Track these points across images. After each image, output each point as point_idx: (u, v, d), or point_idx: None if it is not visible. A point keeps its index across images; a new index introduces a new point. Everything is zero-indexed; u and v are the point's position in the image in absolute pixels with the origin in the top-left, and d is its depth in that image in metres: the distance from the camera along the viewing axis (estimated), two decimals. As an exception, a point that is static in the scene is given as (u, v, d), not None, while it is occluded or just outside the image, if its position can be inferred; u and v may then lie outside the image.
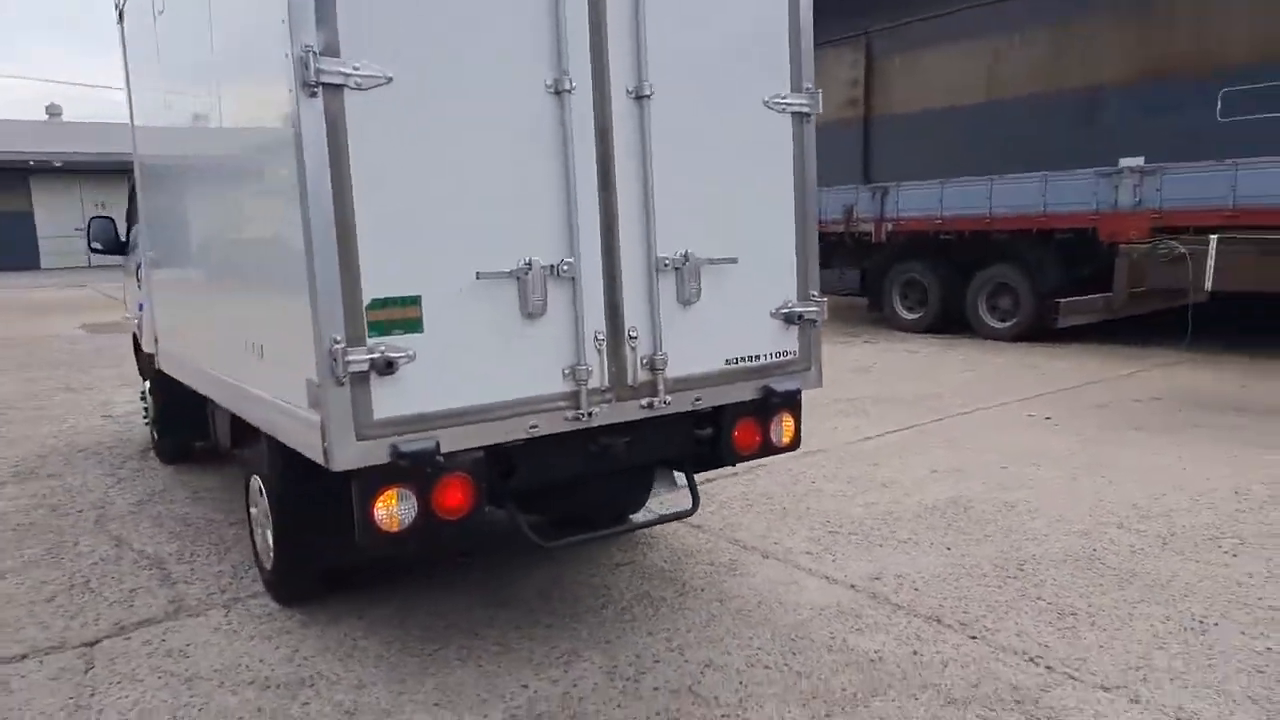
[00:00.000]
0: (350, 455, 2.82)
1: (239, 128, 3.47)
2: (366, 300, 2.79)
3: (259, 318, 3.47)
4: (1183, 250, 8.08)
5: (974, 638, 3.43)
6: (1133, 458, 5.74)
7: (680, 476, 3.94)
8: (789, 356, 3.77)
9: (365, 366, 2.79)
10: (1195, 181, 9.21)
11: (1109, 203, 9.58)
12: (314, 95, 2.64)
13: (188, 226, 4.63)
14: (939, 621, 3.57)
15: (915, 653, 3.32)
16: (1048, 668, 3.19)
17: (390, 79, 2.75)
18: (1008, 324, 10.95)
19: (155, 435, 6.65)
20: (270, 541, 3.96)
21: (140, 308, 6.26)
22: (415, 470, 2.92)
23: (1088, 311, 9.47)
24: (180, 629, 3.79)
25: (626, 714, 2.98)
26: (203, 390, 4.65)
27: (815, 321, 3.81)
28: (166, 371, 5.64)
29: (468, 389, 2.99)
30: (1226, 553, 4.16)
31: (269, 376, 3.38)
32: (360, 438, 2.82)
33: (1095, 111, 10.07)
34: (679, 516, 3.84)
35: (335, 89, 2.67)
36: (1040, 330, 10.46)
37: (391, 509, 2.94)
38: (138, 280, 6.32)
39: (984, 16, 10.97)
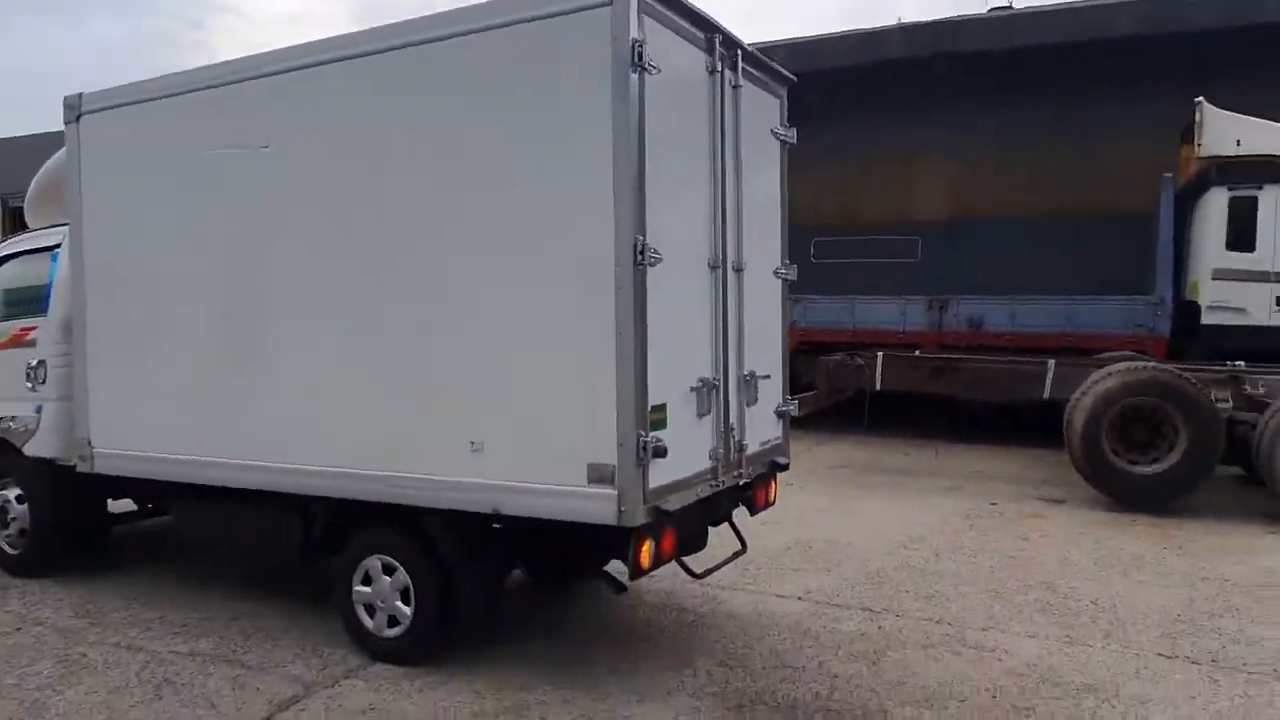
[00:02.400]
0: (638, 516, 4.02)
1: (523, 277, 4.23)
2: (651, 404, 4.06)
3: (490, 421, 4.33)
4: (861, 362, 11.36)
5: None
6: (866, 504, 8.40)
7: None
8: (779, 440, 5.56)
9: (652, 453, 4.04)
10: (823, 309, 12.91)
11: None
12: (639, 266, 3.93)
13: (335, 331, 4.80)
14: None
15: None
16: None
17: (662, 259, 4.11)
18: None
19: (19, 547, 6.20)
20: (409, 608, 4.65)
21: (38, 410, 5.99)
22: (658, 524, 4.18)
23: (807, 405, 12.48)
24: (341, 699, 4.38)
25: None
26: (287, 488, 4.94)
27: (791, 414, 5.66)
28: (115, 472, 5.64)
29: (678, 467, 4.32)
30: (927, 550, 6.82)
31: (492, 465, 4.29)
32: (644, 503, 4.04)
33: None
34: (737, 556, 5.34)
35: (642, 264, 3.98)
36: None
37: (648, 552, 4.17)
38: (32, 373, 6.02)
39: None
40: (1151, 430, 8.35)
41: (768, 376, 5.27)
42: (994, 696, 4.41)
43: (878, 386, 11.12)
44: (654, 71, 3.99)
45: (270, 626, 5.28)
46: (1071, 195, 13.70)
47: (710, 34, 4.59)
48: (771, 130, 5.34)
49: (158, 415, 5.48)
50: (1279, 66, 12.10)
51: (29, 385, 6.06)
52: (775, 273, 5.44)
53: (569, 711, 4.23)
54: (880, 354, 11.17)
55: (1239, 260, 10.66)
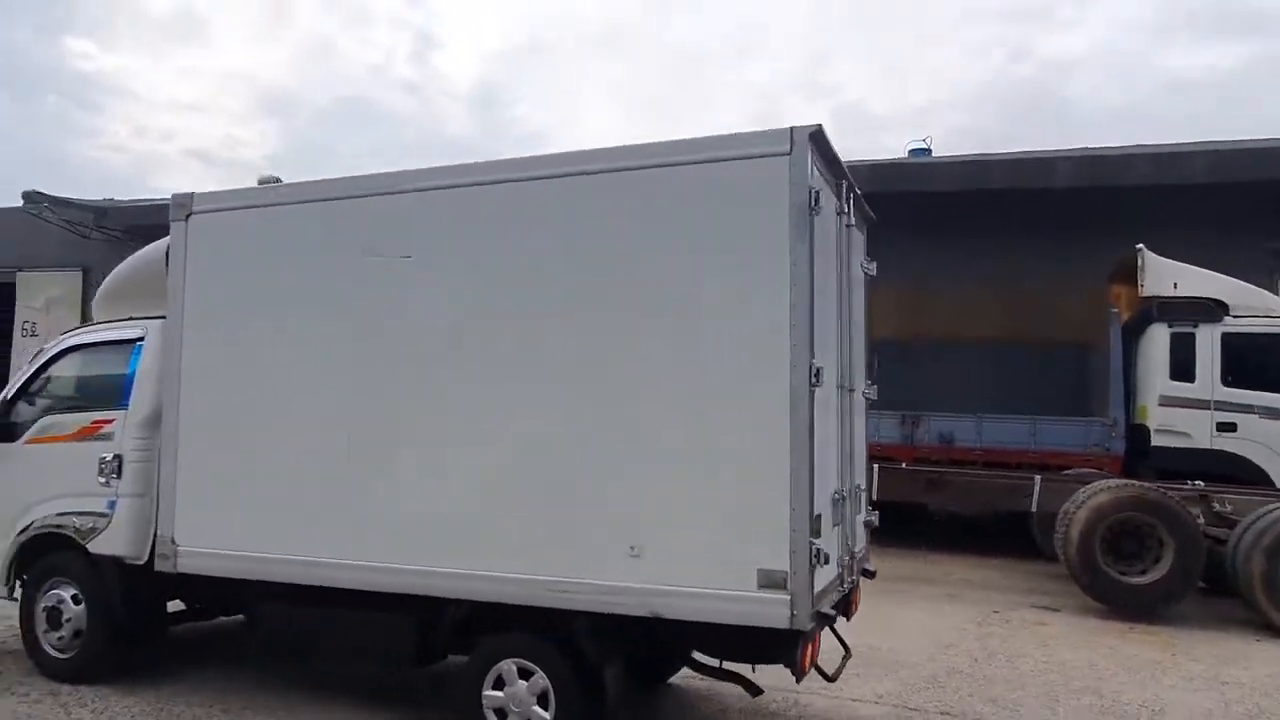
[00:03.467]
0: (807, 620, 4.26)
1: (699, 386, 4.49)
2: (815, 514, 4.35)
3: (651, 527, 4.51)
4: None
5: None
6: (880, 610, 8.74)
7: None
8: (866, 548, 5.89)
9: (820, 559, 4.31)
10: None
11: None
12: (813, 387, 4.29)
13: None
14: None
15: None
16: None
17: (822, 379, 4.47)
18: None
19: (72, 650, 5.90)
20: (547, 712, 4.69)
21: (111, 506, 5.82)
22: (818, 626, 4.43)
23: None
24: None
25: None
26: (420, 590, 4.94)
27: (874, 525, 6.01)
28: (202, 572, 5.51)
29: (824, 573, 4.60)
30: (964, 656, 7.21)
31: (651, 570, 4.46)
32: (811, 607, 4.29)
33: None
34: (847, 659, 5.53)
35: (815, 385, 4.34)
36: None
37: (810, 653, 4.39)
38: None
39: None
40: (1138, 543, 9.05)
41: (864, 490, 5.65)
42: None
43: (874, 496, 11.58)
44: (818, 213, 4.45)
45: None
46: (1019, 325, 14.85)
47: (840, 179, 5.12)
48: (860, 264, 5.87)
49: (263, 516, 5.42)
50: (1208, 222, 13.67)
51: (101, 480, 5.88)
52: (862, 393, 5.88)
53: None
54: (876, 466, 11.70)
55: (1181, 389, 11.74)
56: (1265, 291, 12.07)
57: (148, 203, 18.80)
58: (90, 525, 5.86)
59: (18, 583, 6.24)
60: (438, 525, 4.96)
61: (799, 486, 4.27)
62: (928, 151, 18.20)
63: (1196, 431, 11.66)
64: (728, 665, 5.08)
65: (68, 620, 5.91)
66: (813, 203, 4.34)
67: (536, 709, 4.74)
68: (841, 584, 4.96)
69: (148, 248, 6.41)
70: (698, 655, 5.21)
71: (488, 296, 4.97)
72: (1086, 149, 15.34)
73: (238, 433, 5.55)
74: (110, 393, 6.13)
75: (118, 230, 19.19)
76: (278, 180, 5.32)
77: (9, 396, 6.42)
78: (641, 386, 4.60)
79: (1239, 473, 11.06)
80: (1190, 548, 8.79)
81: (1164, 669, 7.17)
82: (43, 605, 6.01)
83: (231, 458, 5.55)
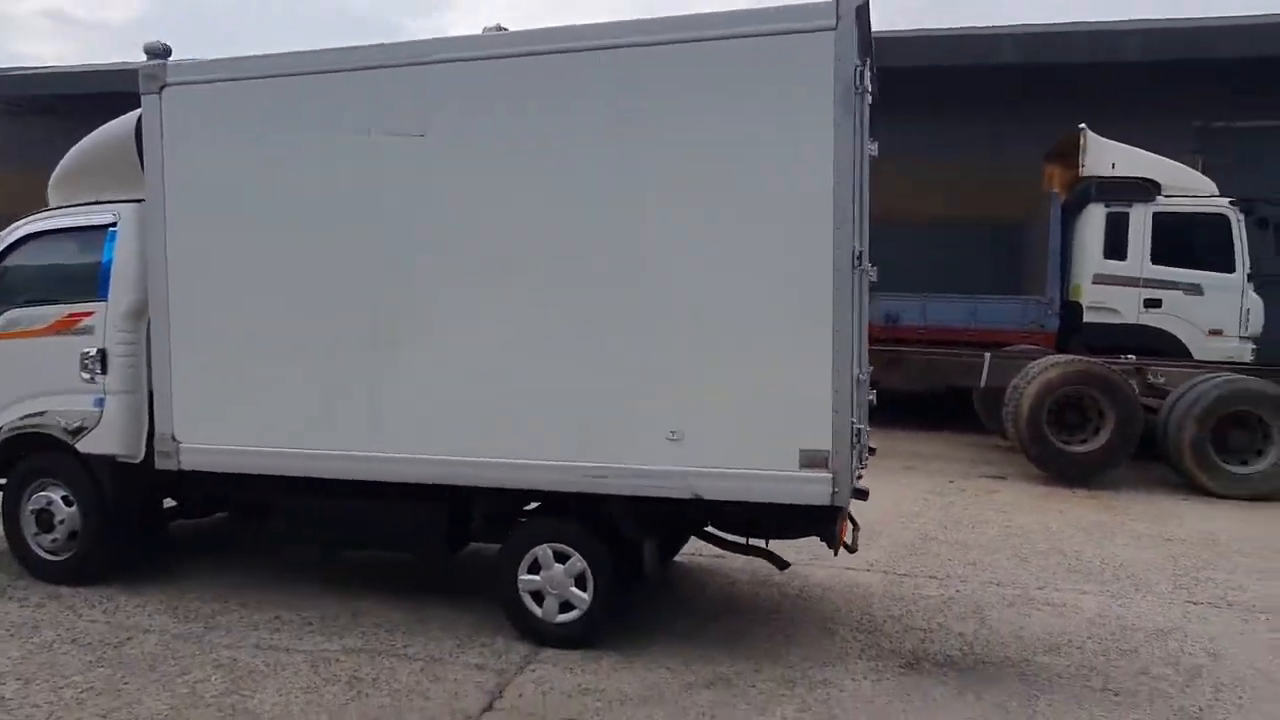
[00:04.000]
0: (846, 496, 4.43)
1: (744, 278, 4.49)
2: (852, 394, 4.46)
3: (692, 411, 4.54)
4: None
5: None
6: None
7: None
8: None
9: (858, 437, 4.45)
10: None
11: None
12: (855, 269, 4.34)
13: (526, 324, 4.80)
14: (948, 575, 6.28)
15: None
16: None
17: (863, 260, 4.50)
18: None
19: (66, 552, 5.71)
20: (585, 592, 4.81)
21: (98, 403, 5.53)
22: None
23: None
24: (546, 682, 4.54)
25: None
26: (453, 480, 4.93)
27: (872, 405, 6.21)
28: (209, 468, 5.36)
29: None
30: (932, 523, 7.69)
31: (692, 453, 4.53)
32: (851, 483, 4.45)
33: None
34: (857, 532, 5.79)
35: (859, 267, 4.39)
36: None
37: (847, 528, 4.59)
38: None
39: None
40: (1080, 415, 9.64)
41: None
42: (1099, 642, 5.16)
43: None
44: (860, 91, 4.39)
45: (403, 620, 5.23)
46: (959, 205, 15.17)
47: (867, 55, 5.03)
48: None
49: (273, 409, 5.25)
50: (1138, 101, 14.02)
51: (85, 377, 5.56)
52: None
53: (767, 678, 4.57)
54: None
55: (1114, 267, 12.31)
56: (1195, 172, 12.60)
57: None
58: (78, 424, 5.57)
59: (-9, 486, 5.94)
60: (467, 413, 4.90)
61: (840, 367, 4.37)
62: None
63: (1125, 308, 12.31)
64: (752, 541, 5.25)
65: (60, 522, 5.68)
66: (858, 80, 4.28)
67: (575, 590, 4.85)
68: (861, 463, 5.15)
69: (109, 125, 5.90)
70: (717, 532, 5.36)
71: (513, 176, 4.77)
72: (1028, 25, 15.43)
73: (239, 324, 5.29)
74: (84, 283, 5.73)
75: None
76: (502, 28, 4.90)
77: (-36, 289, 5.95)
78: (681, 267, 4.56)
79: (1162, 347, 11.81)
80: (1129, 418, 9.41)
81: (1112, 529, 7.77)
82: (30, 508, 5.75)
83: (232, 350, 5.31)
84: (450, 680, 4.48)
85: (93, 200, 5.78)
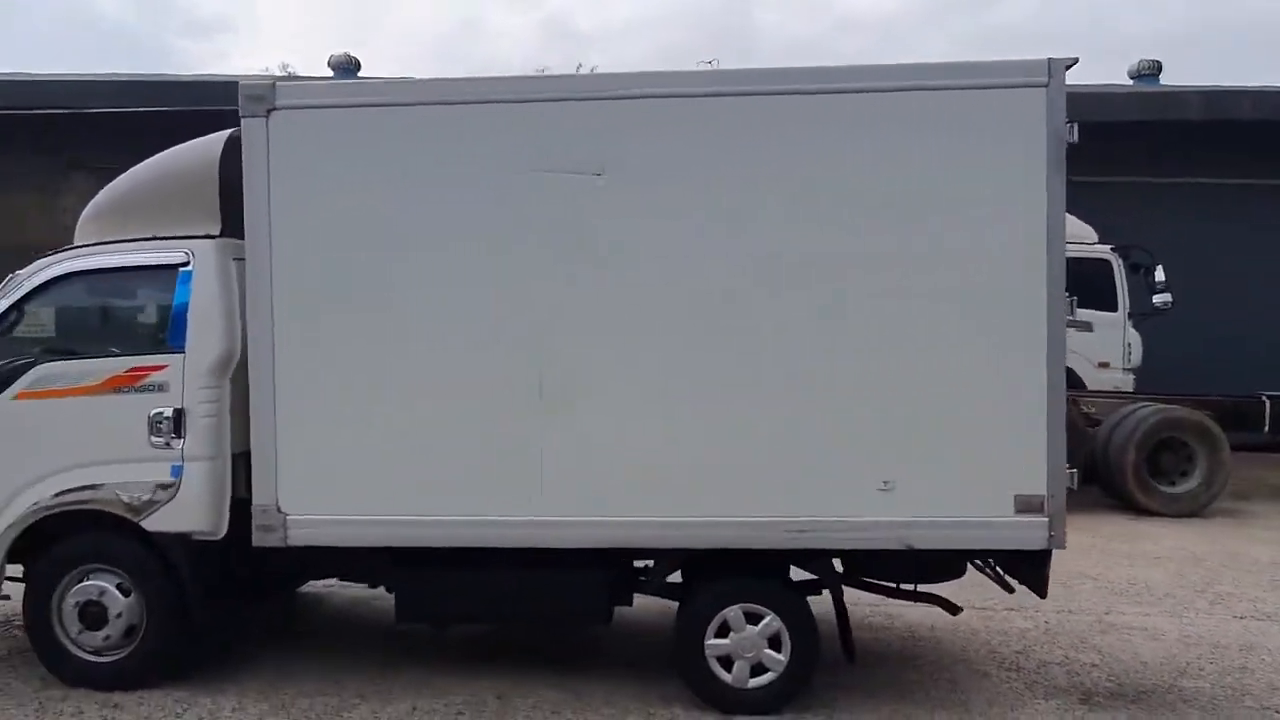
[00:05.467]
0: (1062, 539, 4.48)
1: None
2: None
3: (904, 461, 4.46)
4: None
5: (1050, 608, 6.48)
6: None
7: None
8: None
9: (1072, 481, 4.55)
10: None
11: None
12: (1068, 314, 4.45)
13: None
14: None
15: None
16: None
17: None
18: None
19: (118, 651, 4.79)
20: (781, 654, 4.59)
21: (178, 471, 4.70)
22: None
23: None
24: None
25: (1078, 674, 5.20)
26: (627, 542, 4.65)
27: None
28: (326, 542, 4.70)
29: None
30: None
31: (903, 503, 4.45)
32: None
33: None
34: None
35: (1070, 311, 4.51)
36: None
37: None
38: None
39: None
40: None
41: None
42: (1211, 663, 5.52)
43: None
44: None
45: (558, 698, 4.77)
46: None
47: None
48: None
49: (408, 474, 4.66)
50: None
51: (157, 441, 4.71)
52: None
53: None
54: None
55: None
56: (1079, 221, 13.98)
57: None
58: (146, 497, 4.69)
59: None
60: (651, 473, 4.56)
61: (1055, 414, 4.46)
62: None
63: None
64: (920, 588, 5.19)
65: (117, 616, 4.74)
66: (1068, 134, 4.43)
67: (769, 652, 4.62)
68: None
69: (173, 154, 5.10)
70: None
71: (706, 221, 4.55)
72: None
73: (368, 380, 4.67)
74: (149, 332, 4.90)
75: None
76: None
77: (-25, 339, 4.90)
78: (890, 318, 4.50)
79: (1062, 378, 12.92)
80: (1079, 445, 10.21)
81: (1104, 551, 8.36)
82: (73, 601, 4.77)
83: (355, 407, 4.68)
84: (675, 762, 4.13)
85: (148, 236, 4.93)
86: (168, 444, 4.71)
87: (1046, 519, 4.45)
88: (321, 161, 4.67)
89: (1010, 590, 5.15)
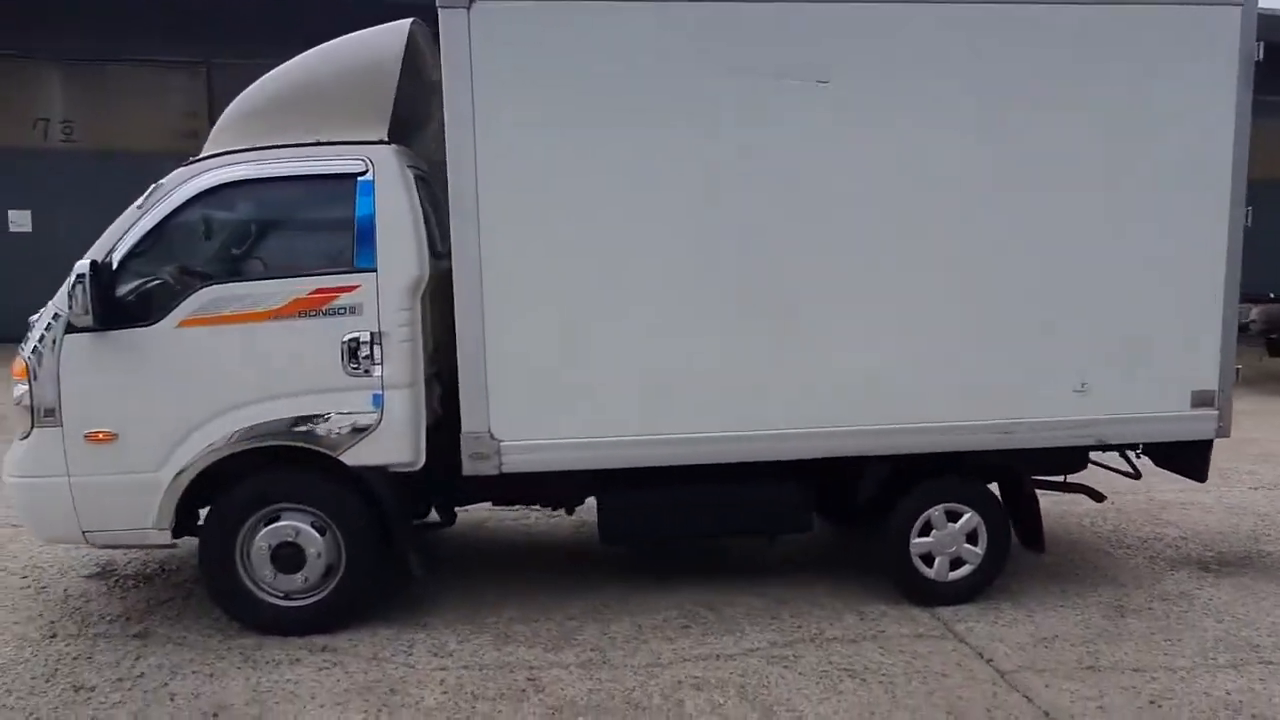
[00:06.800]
0: (1229, 429, 4.94)
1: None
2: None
3: (1097, 363, 4.74)
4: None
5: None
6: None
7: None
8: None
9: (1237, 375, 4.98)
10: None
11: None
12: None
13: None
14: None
15: (1123, 499, 6.87)
16: None
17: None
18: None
19: (314, 593, 4.50)
20: (978, 548, 4.89)
21: (378, 400, 4.39)
22: None
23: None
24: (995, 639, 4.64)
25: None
26: (847, 451, 4.71)
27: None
28: (545, 467, 4.56)
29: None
30: None
31: (1096, 402, 4.76)
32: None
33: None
34: None
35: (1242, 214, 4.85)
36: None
37: (1208, 458, 5.14)
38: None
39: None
40: None
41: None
42: (1274, 527, 6.31)
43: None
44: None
45: (769, 607, 4.88)
46: None
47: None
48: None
49: (623, 393, 4.54)
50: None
51: (354, 369, 4.35)
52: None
53: (1150, 597, 5.04)
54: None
55: None
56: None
57: None
58: (342, 429, 4.35)
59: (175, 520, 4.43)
60: (863, 382, 4.66)
61: (1229, 312, 4.87)
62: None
63: None
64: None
65: (316, 556, 4.43)
66: (1257, 54, 4.70)
67: (968, 546, 4.90)
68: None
69: (336, 48, 4.55)
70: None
71: (922, 131, 4.56)
72: None
73: (577, 295, 4.46)
74: (330, 249, 4.45)
75: None
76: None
77: (120, 259, 4.27)
78: (1088, 229, 4.70)
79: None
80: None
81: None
82: (264, 544, 4.40)
83: (573, 325, 4.49)
84: (935, 656, 4.35)
85: (311, 141, 4.43)
86: (366, 371, 4.36)
87: (1217, 411, 4.90)
88: (527, 61, 4.32)
89: (1138, 476, 5.59)
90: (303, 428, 4.34)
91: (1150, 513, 6.66)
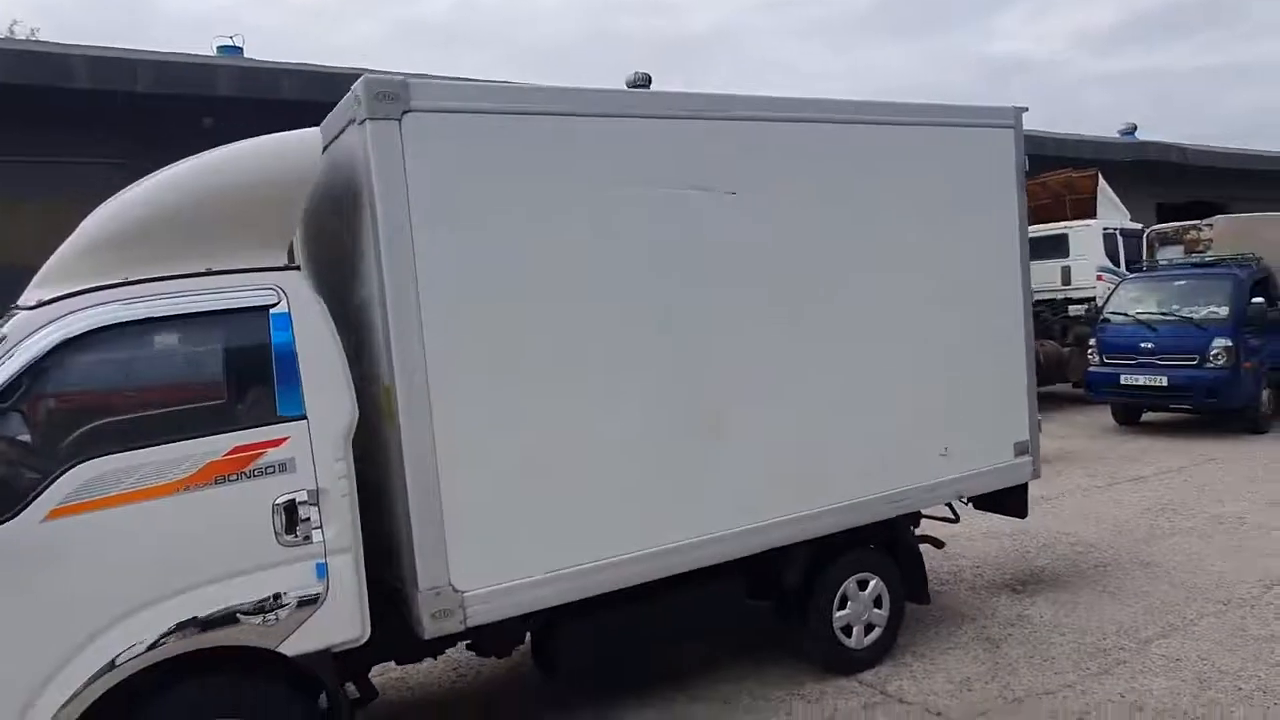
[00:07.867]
0: (1040, 469, 5.90)
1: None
2: (1022, 399, 5.93)
3: (954, 430, 5.37)
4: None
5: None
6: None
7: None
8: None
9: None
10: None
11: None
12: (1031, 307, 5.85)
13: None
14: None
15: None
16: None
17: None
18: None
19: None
20: (883, 611, 5.32)
21: (322, 570, 3.70)
22: None
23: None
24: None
25: (989, 574, 6.77)
26: (775, 544, 4.84)
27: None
28: (505, 615, 4.16)
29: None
30: None
31: (955, 463, 5.44)
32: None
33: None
34: None
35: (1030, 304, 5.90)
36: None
37: (1024, 496, 6.05)
38: None
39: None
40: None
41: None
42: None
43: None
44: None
45: (709, 712, 4.84)
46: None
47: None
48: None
49: (587, 517, 4.30)
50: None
51: (290, 539, 3.60)
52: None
53: (1000, 625, 5.78)
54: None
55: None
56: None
57: None
58: (286, 611, 3.57)
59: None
60: (783, 475, 4.86)
61: (1030, 374, 5.86)
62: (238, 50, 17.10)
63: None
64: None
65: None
66: (1024, 165, 5.81)
67: (876, 611, 5.31)
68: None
69: (225, 161, 3.78)
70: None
71: (810, 239, 4.96)
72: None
73: (534, 425, 4.14)
74: (245, 398, 3.65)
75: None
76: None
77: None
78: (931, 319, 5.40)
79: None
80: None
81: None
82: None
83: (526, 456, 4.14)
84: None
85: (203, 270, 3.67)
86: (306, 537, 3.64)
87: (1030, 457, 5.85)
88: (463, 173, 3.99)
89: (956, 520, 6.44)
90: (230, 623, 3.50)
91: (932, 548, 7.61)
